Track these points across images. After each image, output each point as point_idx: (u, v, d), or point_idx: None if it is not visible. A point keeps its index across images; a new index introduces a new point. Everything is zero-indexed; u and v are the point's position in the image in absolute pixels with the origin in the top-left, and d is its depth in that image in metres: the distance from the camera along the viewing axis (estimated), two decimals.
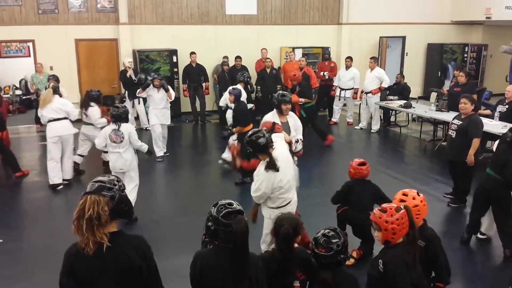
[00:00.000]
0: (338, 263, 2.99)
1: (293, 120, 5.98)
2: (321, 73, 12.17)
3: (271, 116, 5.87)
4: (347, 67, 11.51)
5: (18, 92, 14.30)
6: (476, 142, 6.31)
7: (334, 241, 3.01)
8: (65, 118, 7.40)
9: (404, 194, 3.43)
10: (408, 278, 2.91)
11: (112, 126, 6.09)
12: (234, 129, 7.54)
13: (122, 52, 12.12)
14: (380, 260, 2.97)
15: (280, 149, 4.38)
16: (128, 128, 6.11)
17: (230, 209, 2.77)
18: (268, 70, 11.70)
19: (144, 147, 6.45)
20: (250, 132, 4.31)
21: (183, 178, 8.30)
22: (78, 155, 8.18)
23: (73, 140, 7.65)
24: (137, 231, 4.75)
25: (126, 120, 6.18)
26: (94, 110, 7.81)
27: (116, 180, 2.57)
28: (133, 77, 10.94)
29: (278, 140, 4.51)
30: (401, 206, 3.00)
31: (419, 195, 3.44)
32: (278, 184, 4.23)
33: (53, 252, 5.08)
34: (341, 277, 2.99)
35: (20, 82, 14.51)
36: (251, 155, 4.42)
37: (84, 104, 7.94)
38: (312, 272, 3.07)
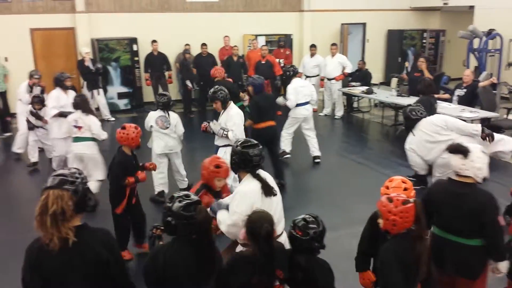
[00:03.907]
0: (312, 250, 2.91)
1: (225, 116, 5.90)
2: (276, 61, 12.16)
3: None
4: (312, 55, 11.55)
5: None
6: None
7: (312, 226, 2.90)
8: None
9: (404, 182, 3.25)
10: (398, 273, 2.78)
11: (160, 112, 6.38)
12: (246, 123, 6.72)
13: (79, 41, 11.74)
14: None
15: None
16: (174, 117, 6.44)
17: (189, 201, 2.70)
18: (235, 58, 11.61)
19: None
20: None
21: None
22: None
23: None
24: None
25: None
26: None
27: (77, 173, 2.49)
28: (91, 67, 10.66)
29: None
30: (410, 200, 2.88)
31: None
32: None
33: (13, 249, 4.93)
34: (314, 262, 2.92)
35: None
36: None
37: None
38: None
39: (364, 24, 14.79)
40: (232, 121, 5.70)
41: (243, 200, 3.37)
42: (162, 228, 2.87)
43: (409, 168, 7.26)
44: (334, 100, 11.33)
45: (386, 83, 13.49)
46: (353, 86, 11.30)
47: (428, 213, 3.27)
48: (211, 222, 2.72)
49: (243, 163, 3.44)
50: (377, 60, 15.29)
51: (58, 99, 7.03)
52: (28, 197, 6.71)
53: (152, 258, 2.72)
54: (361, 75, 11.67)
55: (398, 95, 10.01)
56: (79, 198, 2.38)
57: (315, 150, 8.04)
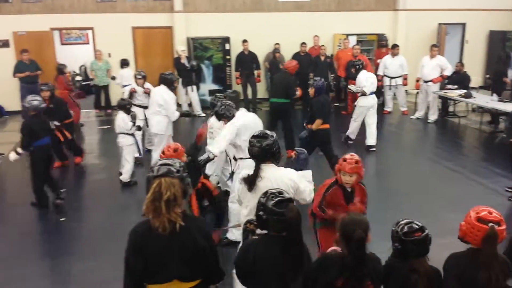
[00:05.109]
0: (430, 242, 2.87)
1: None
2: (378, 61, 11.86)
3: None
4: (394, 55, 11.19)
5: (78, 78, 14.83)
6: None
7: (418, 223, 2.88)
8: None
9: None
10: (451, 283, 2.75)
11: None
12: (312, 126, 6.75)
13: (176, 40, 12.30)
14: None
15: None
16: (210, 120, 5.99)
17: (281, 198, 2.77)
18: (322, 58, 11.54)
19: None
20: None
21: None
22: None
23: None
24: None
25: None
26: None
27: (178, 161, 2.67)
28: (187, 64, 11.12)
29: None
30: (489, 224, 2.73)
31: None
32: None
33: (113, 232, 5.30)
34: (428, 266, 2.87)
35: (80, 68, 15.06)
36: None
37: None
38: (382, 279, 2.89)
39: (463, 24, 14.02)
40: (222, 131, 5.09)
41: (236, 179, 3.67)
42: (256, 223, 2.95)
43: (509, 178, 6.81)
44: (428, 103, 10.85)
45: (486, 87, 12.69)
46: (450, 89, 10.72)
47: None
48: (301, 221, 2.74)
49: (249, 151, 3.59)
50: (476, 62, 14.39)
51: (174, 99, 7.33)
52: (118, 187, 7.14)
53: (243, 251, 2.81)
54: (459, 78, 11.04)
55: (499, 100, 9.36)
56: (184, 185, 2.56)
57: (371, 140, 8.62)
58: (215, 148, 4.86)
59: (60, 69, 10.20)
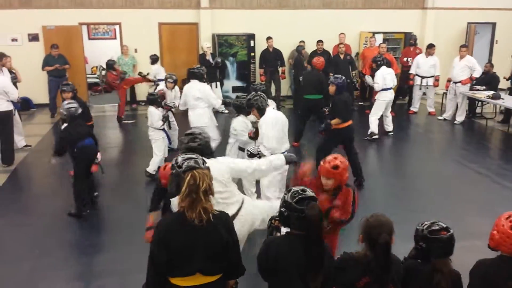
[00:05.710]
0: (454, 242, 2.82)
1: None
2: (404, 59, 11.68)
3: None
4: (429, 54, 11.00)
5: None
6: None
7: (442, 224, 2.85)
8: None
9: None
10: None
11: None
12: (332, 121, 6.63)
13: (202, 36, 12.35)
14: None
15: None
16: (234, 122, 6.16)
17: (303, 195, 2.77)
18: (342, 56, 11.42)
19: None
20: None
21: None
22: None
23: None
24: None
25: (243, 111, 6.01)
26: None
27: (195, 154, 2.77)
28: (211, 61, 11.17)
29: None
30: None
31: None
32: None
33: (137, 224, 5.36)
34: (451, 267, 2.82)
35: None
36: None
37: None
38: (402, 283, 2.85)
39: (493, 24, 13.69)
40: (261, 131, 5.18)
41: None
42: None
43: None
44: (457, 103, 10.63)
45: None
46: (478, 90, 10.49)
47: None
48: (322, 221, 2.73)
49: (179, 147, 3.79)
50: (506, 63, 13.97)
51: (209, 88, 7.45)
52: (143, 180, 7.22)
53: (266, 248, 2.81)
54: (487, 79, 10.80)
55: None
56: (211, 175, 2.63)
57: (388, 127, 9.57)
58: (266, 151, 5.04)
59: (110, 64, 10.43)
